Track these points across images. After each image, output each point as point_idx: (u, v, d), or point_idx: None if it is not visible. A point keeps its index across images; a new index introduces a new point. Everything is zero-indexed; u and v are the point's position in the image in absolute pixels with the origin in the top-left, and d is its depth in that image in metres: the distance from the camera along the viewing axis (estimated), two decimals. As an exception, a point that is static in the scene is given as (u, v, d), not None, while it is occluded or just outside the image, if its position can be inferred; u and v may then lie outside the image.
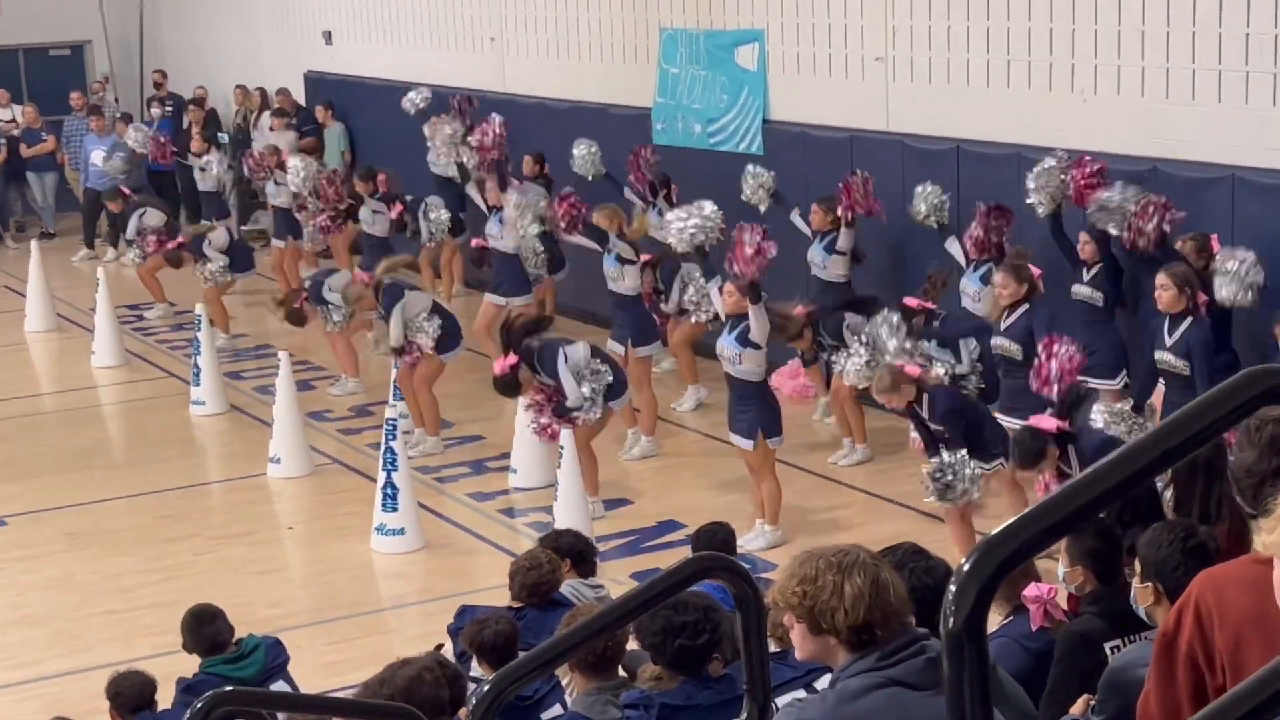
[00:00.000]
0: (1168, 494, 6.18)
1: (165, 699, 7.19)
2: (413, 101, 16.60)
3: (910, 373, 9.67)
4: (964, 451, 9.50)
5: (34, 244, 18.89)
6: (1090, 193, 10.78)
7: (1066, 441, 8.79)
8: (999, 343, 10.67)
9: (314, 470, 12.89)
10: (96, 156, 21.54)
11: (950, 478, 9.44)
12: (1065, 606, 5.92)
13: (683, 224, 10.91)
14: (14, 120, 23.35)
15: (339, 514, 12.04)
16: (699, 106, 15.20)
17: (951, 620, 2.32)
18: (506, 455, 12.48)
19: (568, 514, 10.33)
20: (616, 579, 9.85)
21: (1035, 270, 10.86)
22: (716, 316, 13.03)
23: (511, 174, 15.23)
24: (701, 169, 14.89)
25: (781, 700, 5.37)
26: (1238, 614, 3.34)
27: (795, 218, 13.06)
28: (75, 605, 10.55)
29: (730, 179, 14.03)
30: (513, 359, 11.24)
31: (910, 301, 11.41)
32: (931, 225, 12.10)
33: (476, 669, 6.63)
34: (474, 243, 15.87)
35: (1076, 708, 5.07)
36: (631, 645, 6.04)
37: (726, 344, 10.67)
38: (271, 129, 20.47)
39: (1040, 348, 9.24)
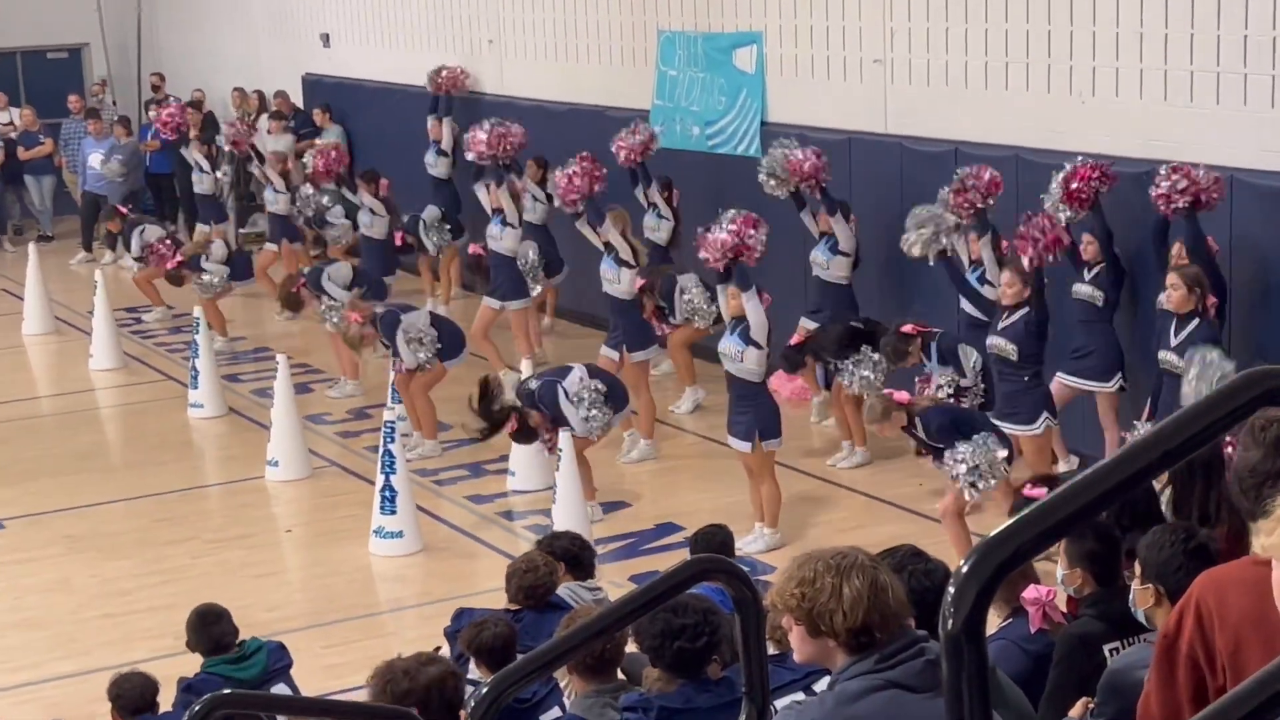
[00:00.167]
0: (1165, 494, 6.18)
1: (165, 701, 7.18)
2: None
3: (899, 399, 9.75)
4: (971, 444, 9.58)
5: (32, 247, 18.88)
6: (1086, 197, 10.77)
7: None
8: (995, 342, 10.67)
9: (312, 473, 12.88)
10: (94, 159, 21.54)
11: (976, 468, 9.52)
12: (1064, 609, 5.91)
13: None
14: (12, 123, 23.33)
15: (337, 517, 12.02)
16: (697, 109, 15.20)
17: (950, 622, 2.32)
18: (505, 458, 12.47)
19: (566, 517, 10.32)
20: (615, 581, 9.84)
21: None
22: (717, 320, 13.06)
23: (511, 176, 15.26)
24: (700, 171, 14.89)
25: (780, 703, 5.36)
26: (1238, 615, 3.34)
27: (805, 216, 12.98)
28: (73, 608, 10.54)
29: (729, 181, 14.03)
30: (513, 422, 11.18)
31: (905, 328, 11.35)
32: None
33: (474, 671, 6.61)
34: (471, 249, 15.86)
35: (1075, 710, 5.07)
36: (630, 648, 6.04)
37: (730, 342, 10.69)
38: (269, 132, 20.45)
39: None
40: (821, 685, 5.14)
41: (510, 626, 6.63)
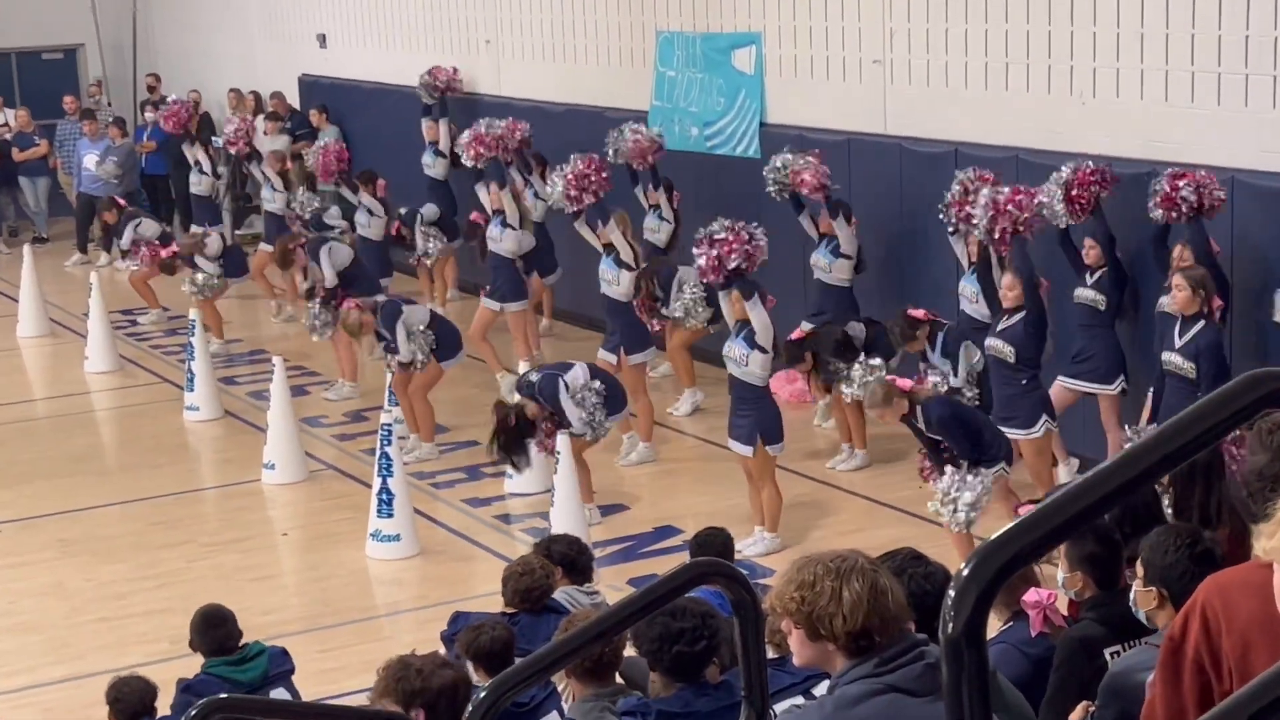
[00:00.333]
0: (1166, 497, 6.16)
1: (163, 706, 7.15)
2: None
3: (901, 385, 9.71)
4: (962, 470, 9.56)
5: (27, 249, 18.86)
6: (1086, 202, 10.73)
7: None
8: (993, 343, 10.65)
9: (309, 476, 12.85)
10: (89, 161, 21.52)
11: (959, 500, 9.53)
12: (1065, 612, 5.88)
13: None
14: (6, 124, 23.31)
15: (334, 520, 11.99)
16: (696, 109, 15.17)
17: (950, 625, 2.33)
18: (502, 461, 12.43)
19: (564, 520, 10.29)
20: (613, 585, 9.81)
21: (1044, 282, 10.85)
22: (713, 320, 13.04)
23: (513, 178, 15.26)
24: (698, 172, 14.86)
25: (780, 707, 5.34)
26: (1245, 618, 3.32)
27: (804, 219, 12.95)
28: (68, 612, 10.51)
29: (727, 182, 14.01)
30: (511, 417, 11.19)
31: (915, 312, 11.36)
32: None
33: (472, 675, 6.57)
34: (472, 217, 15.84)
35: (1076, 714, 5.05)
36: (629, 652, 6.00)
37: (735, 345, 10.67)
38: (265, 133, 20.42)
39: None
40: (821, 689, 5.11)
41: (508, 630, 6.60)
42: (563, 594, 7.37)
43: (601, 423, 11.28)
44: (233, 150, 18.62)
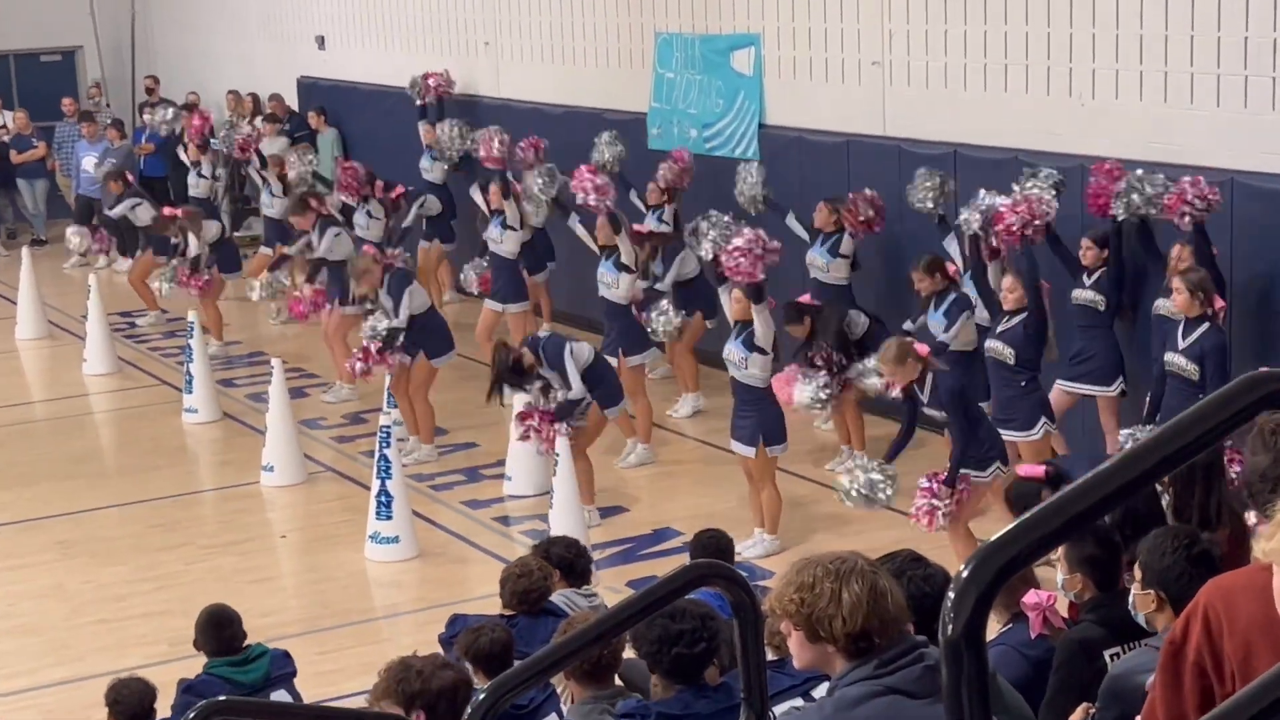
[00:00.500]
0: (1166, 497, 6.15)
1: (162, 708, 7.14)
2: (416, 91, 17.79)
3: (920, 350, 9.71)
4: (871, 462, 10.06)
5: (25, 251, 18.85)
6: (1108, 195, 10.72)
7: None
8: (992, 345, 10.64)
9: (307, 478, 12.84)
10: (88, 163, 21.49)
11: (867, 483, 9.88)
12: (1064, 613, 5.88)
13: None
14: (4, 126, 23.29)
15: (332, 522, 11.99)
16: (695, 111, 15.16)
17: (950, 628, 2.33)
18: (501, 463, 12.43)
19: (563, 522, 10.29)
20: (612, 587, 9.80)
21: (1045, 284, 10.83)
22: (709, 314, 13.06)
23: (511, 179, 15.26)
24: (697, 174, 14.84)
25: (779, 709, 5.33)
26: (1247, 621, 3.31)
27: (791, 221, 12.99)
28: (67, 614, 10.50)
29: (726, 184, 13.97)
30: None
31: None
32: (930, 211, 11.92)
33: (471, 677, 6.56)
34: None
35: (1076, 716, 5.04)
36: (628, 654, 5.99)
37: (734, 348, 10.66)
38: (264, 135, 20.40)
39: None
40: (820, 691, 5.10)
41: (508, 632, 6.59)
42: (561, 597, 7.36)
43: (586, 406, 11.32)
44: (241, 157, 18.56)
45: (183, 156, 19.89)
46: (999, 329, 10.64)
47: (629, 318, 13.19)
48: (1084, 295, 10.94)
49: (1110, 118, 11.49)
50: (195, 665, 7.47)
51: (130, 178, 18.88)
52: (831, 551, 4.02)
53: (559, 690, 6.37)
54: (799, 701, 5.62)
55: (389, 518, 11.09)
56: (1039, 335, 10.57)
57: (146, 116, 22.36)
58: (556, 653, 4.65)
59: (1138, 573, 5.10)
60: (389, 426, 11.27)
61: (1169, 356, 9.76)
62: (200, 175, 19.50)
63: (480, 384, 14.66)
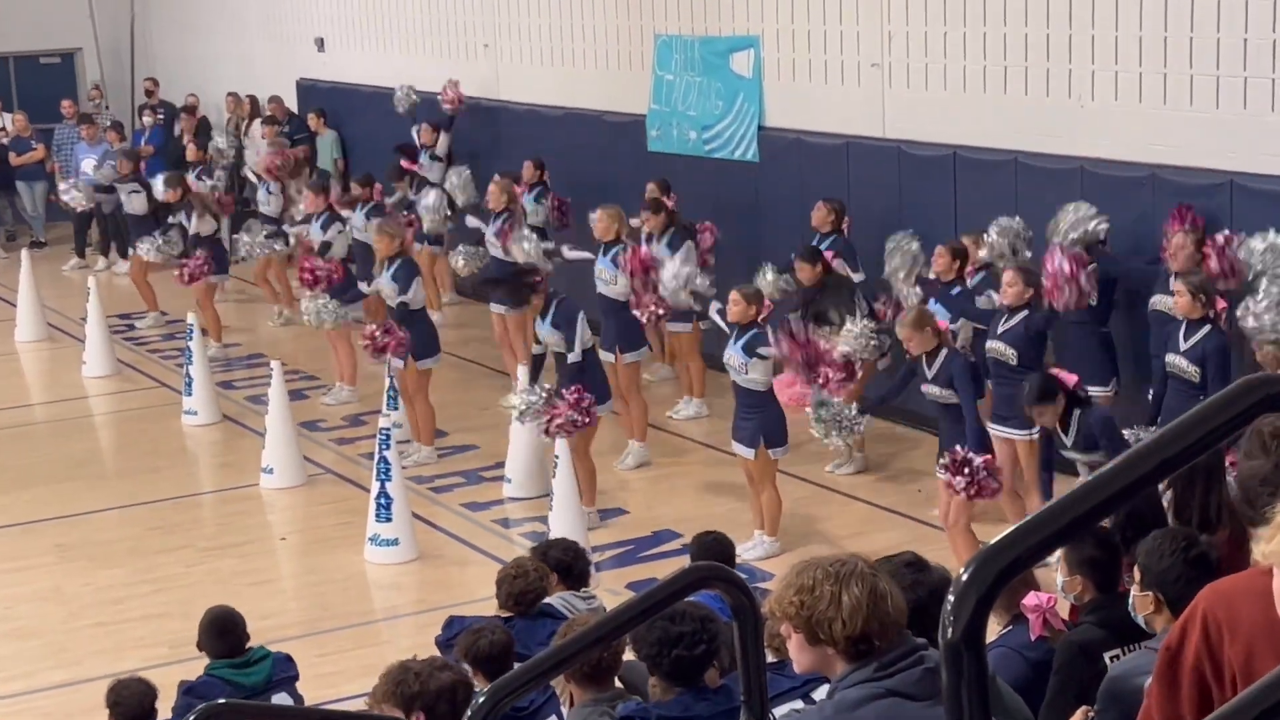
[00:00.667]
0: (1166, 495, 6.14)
1: (163, 709, 7.13)
2: (407, 97, 17.74)
3: (940, 322, 9.89)
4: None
5: (24, 253, 18.85)
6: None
7: (1075, 404, 9.09)
8: (993, 345, 10.61)
9: (307, 480, 12.83)
10: (87, 165, 21.48)
11: (838, 410, 10.27)
12: (1065, 616, 5.87)
13: None
14: (4, 128, 23.30)
15: (332, 524, 11.98)
16: (694, 113, 15.16)
17: (950, 630, 2.33)
18: (501, 465, 12.43)
19: (562, 524, 10.28)
20: (612, 589, 9.79)
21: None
22: (701, 312, 13.04)
23: (512, 178, 15.26)
24: (697, 176, 14.85)
25: (779, 711, 5.33)
26: (1249, 625, 3.30)
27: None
28: (65, 617, 10.49)
29: (725, 186, 14.00)
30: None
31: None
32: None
33: (470, 678, 6.56)
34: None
35: (1076, 718, 5.03)
36: (628, 656, 5.99)
37: (733, 353, 10.65)
38: (263, 137, 20.41)
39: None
40: (820, 693, 5.10)
41: (508, 634, 6.58)
42: (559, 599, 7.35)
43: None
44: (271, 178, 18.50)
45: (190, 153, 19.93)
46: (1000, 329, 10.63)
47: (626, 314, 13.16)
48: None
49: (1109, 119, 11.49)
50: (194, 668, 7.46)
51: (142, 165, 18.89)
52: (831, 554, 4.03)
53: (559, 692, 6.37)
54: (799, 704, 5.62)
55: (389, 520, 11.08)
56: (1040, 335, 10.55)
57: (145, 118, 22.40)
58: (557, 655, 4.64)
59: (1137, 574, 5.11)
60: (388, 429, 11.26)
61: (1170, 358, 9.75)
62: (199, 177, 19.48)
63: (480, 385, 14.73)
